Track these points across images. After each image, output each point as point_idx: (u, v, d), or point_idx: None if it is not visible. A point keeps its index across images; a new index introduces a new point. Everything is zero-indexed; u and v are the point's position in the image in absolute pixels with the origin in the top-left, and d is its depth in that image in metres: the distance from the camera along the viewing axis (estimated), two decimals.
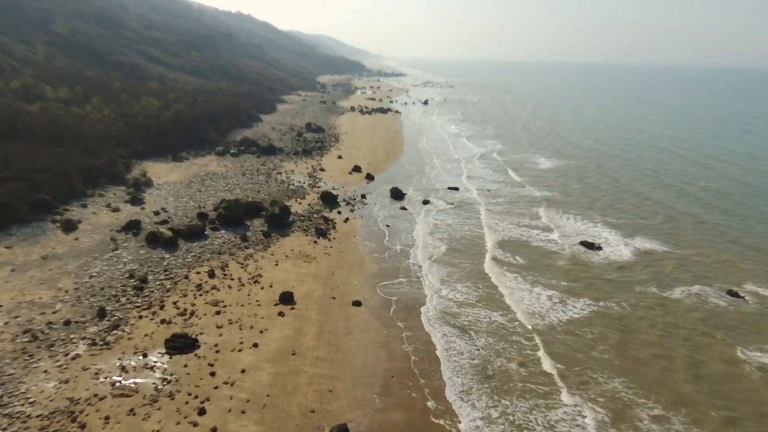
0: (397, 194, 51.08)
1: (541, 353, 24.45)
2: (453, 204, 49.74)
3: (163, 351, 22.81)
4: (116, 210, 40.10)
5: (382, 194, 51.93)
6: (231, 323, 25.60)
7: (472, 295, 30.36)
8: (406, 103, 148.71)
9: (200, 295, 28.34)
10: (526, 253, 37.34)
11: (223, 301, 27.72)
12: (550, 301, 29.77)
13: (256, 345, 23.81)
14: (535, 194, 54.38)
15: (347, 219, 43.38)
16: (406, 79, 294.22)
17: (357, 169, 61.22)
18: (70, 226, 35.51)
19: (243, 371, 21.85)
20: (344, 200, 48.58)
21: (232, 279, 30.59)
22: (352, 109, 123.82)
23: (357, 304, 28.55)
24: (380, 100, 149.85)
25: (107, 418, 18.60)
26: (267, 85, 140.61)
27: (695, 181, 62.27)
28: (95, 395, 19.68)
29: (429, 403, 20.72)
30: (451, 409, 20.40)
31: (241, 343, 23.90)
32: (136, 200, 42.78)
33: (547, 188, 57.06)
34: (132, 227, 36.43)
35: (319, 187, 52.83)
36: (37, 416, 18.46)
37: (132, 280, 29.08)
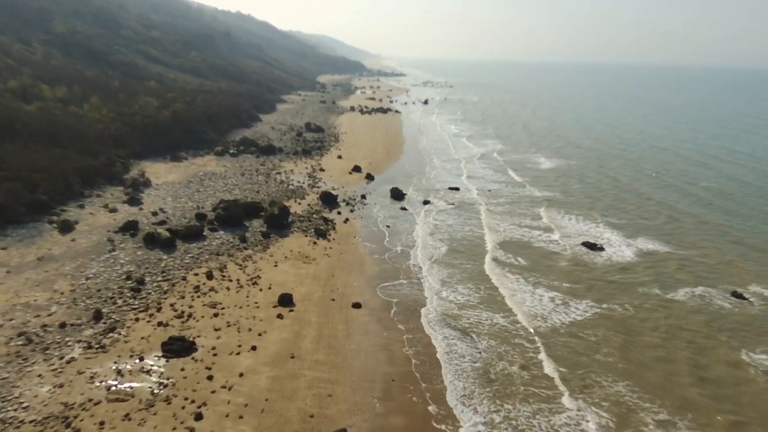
0: (397, 194, 50.73)
1: (543, 356, 24.10)
2: (453, 204, 49.39)
3: (160, 354, 22.45)
4: (114, 210, 39.73)
5: (382, 194, 51.58)
6: (229, 326, 25.24)
7: (473, 297, 30.01)
8: (406, 103, 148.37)
9: (198, 297, 27.97)
10: (527, 254, 37.00)
11: (221, 303, 27.36)
12: (552, 303, 29.42)
13: (254, 348, 23.45)
14: (535, 194, 54.05)
15: (347, 219, 43.03)
16: (406, 78, 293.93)
17: (357, 169, 60.86)
18: (66, 227, 35.14)
19: (241, 375, 21.49)
20: (344, 200, 48.23)
21: (231, 280, 30.23)
22: (352, 108, 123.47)
23: (357, 306, 28.19)
24: (380, 100, 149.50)
25: (102, 423, 18.24)
26: (266, 84, 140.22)
27: (696, 181, 61.95)
28: (90, 400, 19.31)
29: (430, 408, 20.36)
30: (452, 414, 20.05)
31: (239, 346, 23.54)
32: (133, 201, 42.41)
33: (547, 188, 56.73)
34: (129, 228, 36.06)
35: (318, 187, 52.47)
36: (31, 421, 18.09)
37: (129, 282, 28.71)
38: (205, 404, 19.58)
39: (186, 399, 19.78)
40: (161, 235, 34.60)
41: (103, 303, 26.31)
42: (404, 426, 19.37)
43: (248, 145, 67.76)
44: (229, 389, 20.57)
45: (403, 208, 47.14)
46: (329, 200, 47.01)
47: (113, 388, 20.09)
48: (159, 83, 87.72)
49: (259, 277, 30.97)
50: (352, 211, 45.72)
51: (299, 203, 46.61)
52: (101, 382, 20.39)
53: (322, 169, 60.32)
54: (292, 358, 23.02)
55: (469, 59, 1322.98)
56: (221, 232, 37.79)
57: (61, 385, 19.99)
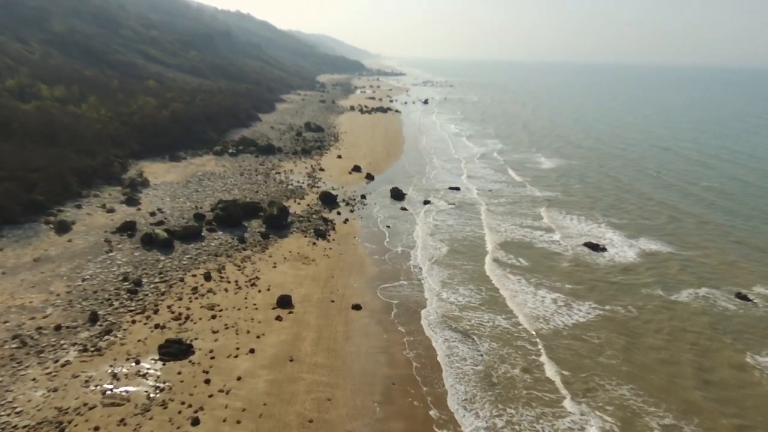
0: (397, 194, 50.38)
1: (546, 359, 23.75)
2: (454, 204, 49.06)
3: (157, 357, 22.09)
4: (111, 211, 39.37)
5: (382, 194, 51.24)
6: (227, 328, 24.88)
7: (474, 298, 29.66)
8: (406, 103, 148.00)
9: (196, 298, 27.61)
10: (529, 255, 36.66)
11: (219, 305, 27.00)
12: (554, 305, 29.07)
13: (252, 351, 23.09)
14: (536, 194, 53.72)
15: (347, 220, 42.67)
16: (406, 78, 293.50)
17: (357, 168, 60.51)
18: (63, 228, 34.77)
19: (239, 378, 21.14)
20: (344, 200, 47.88)
21: (229, 282, 29.87)
22: (352, 108, 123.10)
23: (357, 307, 27.84)
24: (380, 100, 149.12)
25: (97, 428, 17.88)
26: (266, 84, 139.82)
27: (698, 181, 61.63)
28: (85, 404, 18.95)
29: (431, 412, 20.01)
30: (454, 418, 19.69)
31: (237, 348, 23.18)
32: (131, 201, 42.05)
33: (548, 188, 56.40)
34: (127, 228, 35.70)
35: (318, 187, 52.11)
36: (24, 427, 17.74)
37: (126, 283, 28.34)
38: (202, 409, 19.22)
39: (183, 403, 19.43)
40: (159, 235, 34.24)
41: (99, 305, 25.94)
42: (405, 431, 19.02)
43: (247, 145, 67.39)
44: (227, 393, 20.22)
45: (404, 208, 46.79)
46: (329, 200, 46.66)
47: (108, 392, 19.73)
48: (158, 83, 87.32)
49: (257, 278, 30.62)
50: (351, 211, 45.37)
51: (299, 203, 46.26)
52: (96, 386, 20.03)
53: (321, 169, 59.96)
54: (291, 361, 22.67)
55: (469, 59, 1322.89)
56: (220, 232, 37.43)
57: (55, 389, 19.63)
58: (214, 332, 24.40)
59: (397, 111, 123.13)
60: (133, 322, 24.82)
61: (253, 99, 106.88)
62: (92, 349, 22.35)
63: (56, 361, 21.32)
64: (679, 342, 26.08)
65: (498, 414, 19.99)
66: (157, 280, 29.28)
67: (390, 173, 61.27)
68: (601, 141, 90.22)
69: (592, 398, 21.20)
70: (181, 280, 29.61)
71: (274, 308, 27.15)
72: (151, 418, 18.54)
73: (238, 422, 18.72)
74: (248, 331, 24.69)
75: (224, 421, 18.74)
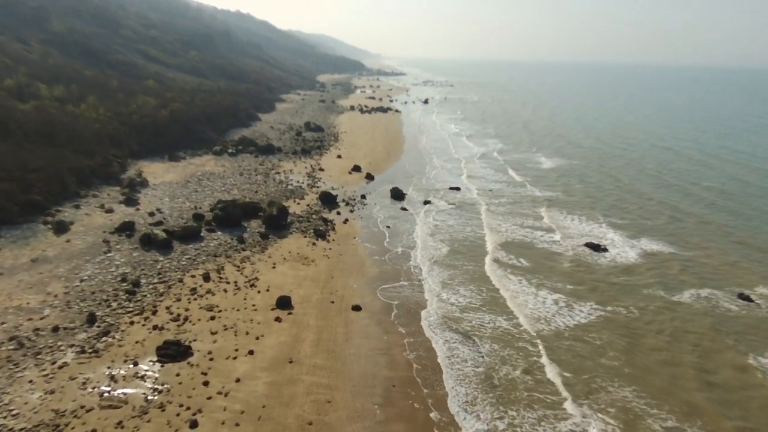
0: (397, 194, 50.20)
1: (548, 360, 23.57)
2: (454, 204, 48.87)
3: (155, 359, 21.90)
4: (110, 211, 39.18)
5: (382, 194, 51.04)
6: (226, 329, 24.69)
7: (475, 299, 29.48)
8: (406, 102, 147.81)
9: (194, 299, 27.42)
10: (530, 255, 36.47)
11: (218, 306, 26.81)
12: (555, 305, 28.89)
13: (251, 352, 22.91)
14: (536, 194, 53.53)
15: (347, 220, 42.48)
16: (406, 78, 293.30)
17: (357, 168, 60.32)
18: (61, 228, 34.58)
19: (238, 380, 20.95)
20: (344, 201, 47.69)
21: (228, 282, 29.68)
22: (352, 108, 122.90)
23: (357, 308, 27.65)
24: (380, 99, 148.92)
25: (94, 431, 17.69)
26: (266, 84, 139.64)
27: (698, 180, 61.44)
28: (82, 407, 18.76)
29: (432, 415, 19.83)
30: (454, 421, 19.51)
31: (236, 350, 23.00)
32: (130, 201, 41.86)
33: (549, 188, 56.20)
34: (126, 229, 35.52)
35: (318, 187, 51.92)
36: (20, 429, 17.55)
37: (124, 284, 28.16)
38: (200, 411, 19.04)
39: (181, 406, 19.24)
40: (158, 236, 34.06)
41: (97, 306, 25.76)
42: None
43: (247, 145, 67.21)
44: (226, 395, 20.03)
45: (404, 209, 46.60)
46: (329, 200, 46.47)
47: (106, 394, 19.55)
48: (158, 82, 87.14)
49: (257, 279, 30.43)
50: (351, 211, 45.18)
51: (298, 203, 46.07)
52: (94, 388, 19.84)
53: (321, 169, 59.76)
54: (291, 362, 22.49)
55: (469, 59, 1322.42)
56: (219, 232, 37.24)
57: (52, 392, 19.45)
58: (212, 333, 24.22)
59: (397, 111, 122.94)
60: (132, 323, 24.64)
61: (253, 99, 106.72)
62: (90, 350, 22.18)
63: (53, 363, 21.15)
64: (681, 343, 25.90)
65: (499, 416, 19.80)
66: (155, 280, 29.10)
67: (390, 173, 61.07)
68: (602, 141, 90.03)
69: (594, 400, 21.02)
70: (180, 280, 29.43)
71: (273, 309, 26.96)
72: (148, 421, 18.36)
73: (237, 425, 18.53)
74: (247, 333, 24.50)
75: (223, 423, 18.55)
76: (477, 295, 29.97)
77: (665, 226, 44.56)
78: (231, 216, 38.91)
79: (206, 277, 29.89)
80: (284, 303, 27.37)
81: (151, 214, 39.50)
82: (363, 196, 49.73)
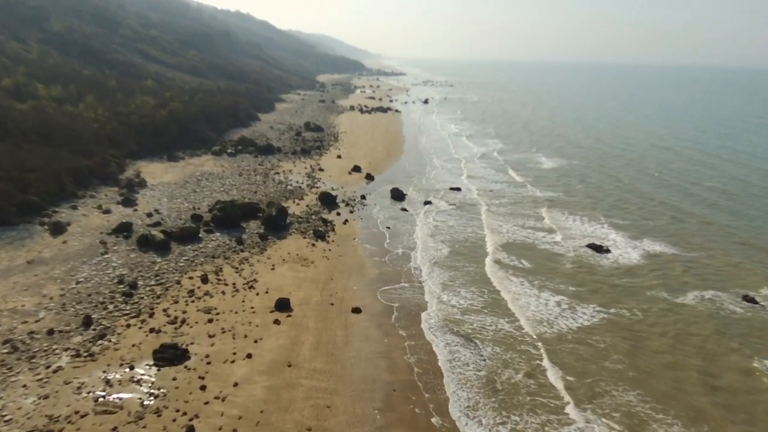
0: (397, 195, 49.86)
1: (551, 364, 23.22)
2: (454, 205, 48.54)
3: (151, 363, 21.55)
4: (107, 212, 38.82)
5: (382, 195, 50.70)
6: (224, 332, 24.34)
7: (476, 301, 29.14)
8: (406, 102, 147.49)
9: (192, 301, 27.07)
10: (531, 257, 36.14)
11: (216, 308, 26.46)
12: (558, 308, 28.55)
13: (249, 356, 22.56)
14: (537, 195, 53.21)
15: (346, 221, 42.14)
16: (406, 78, 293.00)
17: (356, 168, 59.97)
18: (58, 229, 34.21)
19: (235, 385, 20.60)
20: (343, 201, 47.34)
21: (226, 284, 29.33)
22: (352, 108, 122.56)
23: (357, 311, 27.30)
24: (380, 99, 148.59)
25: None
26: (266, 84, 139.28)
27: (699, 181, 61.13)
28: (76, 412, 18.41)
29: (433, 420, 19.48)
30: (456, 426, 19.16)
31: (234, 353, 22.64)
32: (128, 201, 41.50)
33: (549, 188, 55.88)
34: (123, 230, 35.15)
35: (317, 187, 51.57)
36: None
37: (121, 286, 27.81)
38: (197, 416, 18.69)
39: (177, 411, 18.89)
40: (155, 237, 33.70)
41: (93, 308, 25.41)
42: None
43: (246, 145, 66.86)
44: (223, 400, 19.68)
45: (404, 209, 46.26)
46: (328, 201, 46.13)
47: (101, 399, 19.19)
48: (157, 82, 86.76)
49: (255, 280, 30.08)
50: (351, 212, 44.83)
51: (298, 204, 45.72)
52: (89, 392, 19.49)
53: (321, 169, 59.41)
54: (289, 366, 22.14)
55: (469, 59, 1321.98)
56: (217, 233, 36.89)
57: (46, 396, 19.09)
58: (210, 336, 23.87)
59: (397, 111, 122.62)
60: (128, 326, 24.29)
61: (253, 99, 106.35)
62: (85, 354, 21.82)
63: (48, 367, 20.79)
64: (685, 346, 25.57)
65: (502, 422, 19.46)
66: (152, 282, 28.74)
67: (390, 173, 60.73)
68: (602, 141, 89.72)
69: (598, 405, 20.68)
70: (178, 282, 29.07)
71: (272, 311, 26.61)
72: (144, 427, 18.01)
73: (235, 431, 18.17)
74: (245, 336, 24.15)
75: (220, 429, 18.20)
76: (478, 297, 29.62)
77: (667, 226, 44.25)
78: (230, 217, 38.56)
79: (204, 279, 29.54)
80: (283, 305, 27.03)
81: (149, 215, 39.15)
82: (363, 197, 49.38)
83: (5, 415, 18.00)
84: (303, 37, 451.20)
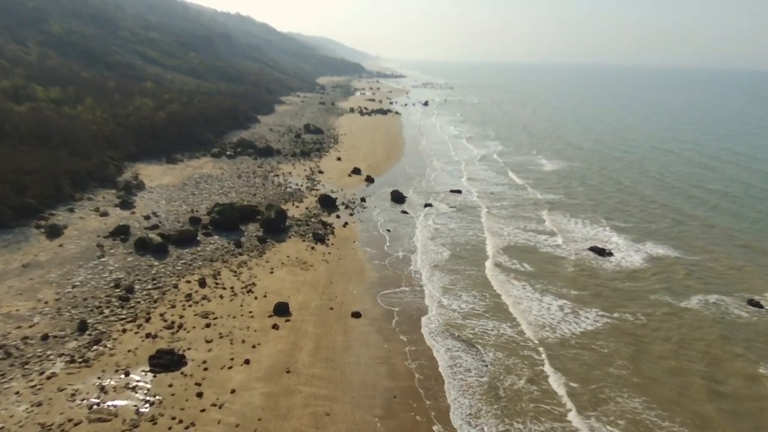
0: (397, 197, 49.51)
1: (554, 370, 22.84)
2: (455, 207, 48.20)
3: (147, 369, 21.15)
4: (105, 214, 38.44)
5: (382, 197, 50.36)
6: (221, 337, 23.95)
7: (478, 305, 28.76)
8: (406, 105, 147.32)
9: (189, 306, 26.68)
10: (533, 260, 35.77)
11: (213, 313, 26.07)
12: (561, 312, 28.18)
13: (247, 361, 22.16)
14: (538, 197, 52.89)
15: (346, 223, 41.78)
16: (406, 80, 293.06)
17: (356, 171, 59.64)
18: (54, 232, 33.82)
19: (233, 391, 20.20)
20: (343, 204, 46.99)
21: (224, 288, 28.94)
22: (352, 110, 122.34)
23: (356, 315, 26.92)
24: (380, 102, 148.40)
25: None
26: (265, 86, 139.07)
27: (700, 183, 60.83)
28: (70, 420, 18.00)
29: (435, 428, 19.09)
30: None
31: (232, 359, 22.25)
32: (126, 204, 41.12)
33: (550, 191, 55.57)
34: (120, 233, 34.77)
35: (317, 189, 51.22)
36: None
37: (117, 290, 27.41)
38: (193, 424, 18.29)
39: (173, 419, 18.49)
40: (153, 240, 33.32)
41: (89, 313, 25.01)
42: None
43: (246, 147, 66.54)
44: (220, 407, 19.28)
45: (404, 212, 45.92)
46: (328, 203, 45.78)
47: (95, 406, 18.79)
48: (156, 84, 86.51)
49: (254, 284, 29.70)
50: (351, 214, 44.47)
51: (297, 206, 45.37)
52: (83, 400, 19.08)
53: (320, 172, 59.08)
54: (288, 372, 21.74)
55: (468, 61, 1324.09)
56: (216, 236, 36.51)
57: (39, 404, 18.69)
58: (207, 342, 23.47)
59: (397, 113, 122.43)
60: (124, 331, 23.89)
61: (252, 101, 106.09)
62: (80, 360, 21.42)
63: (42, 373, 20.39)
64: (689, 351, 25.21)
65: (504, 430, 19.07)
66: (149, 286, 28.35)
67: (390, 175, 60.41)
68: (602, 143, 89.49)
69: (603, 412, 20.30)
70: (175, 286, 28.69)
71: (270, 316, 26.22)
72: None
73: None
74: (243, 341, 23.76)
75: None
76: (479, 301, 29.25)
77: (669, 229, 43.92)
78: (228, 219, 38.19)
79: (202, 283, 29.16)
80: (282, 310, 26.64)
81: (147, 218, 38.77)
82: (363, 199, 49.04)
83: None
84: (303, 39, 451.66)
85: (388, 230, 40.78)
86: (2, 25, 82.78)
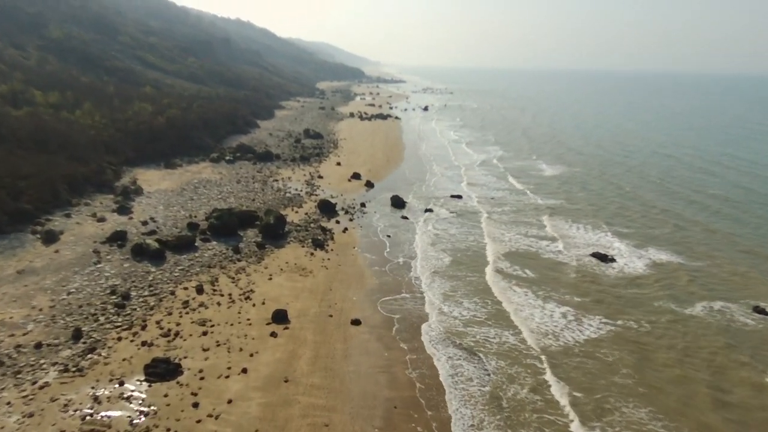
0: (397, 202, 49.20)
1: (557, 379, 22.39)
2: (455, 213, 47.88)
3: (142, 378, 20.70)
4: (102, 220, 38.06)
5: (382, 202, 50.04)
6: (218, 345, 23.51)
7: (479, 312, 28.35)
8: (405, 110, 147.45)
9: (186, 313, 26.25)
10: (534, 266, 35.40)
11: (210, 320, 25.64)
12: (564, 319, 27.76)
13: (245, 371, 21.72)
14: (538, 202, 52.60)
15: (346, 229, 41.42)
16: (406, 85, 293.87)
17: (356, 176, 59.38)
18: (50, 238, 33.44)
19: (229, 402, 19.75)
20: (343, 209, 46.66)
21: (222, 295, 28.53)
22: (352, 115, 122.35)
23: (356, 322, 26.50)
24: (380, 106, 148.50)
25: None
26: (265, 91, 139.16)
27: (701, 188, 60.56)
28: (62, 431, 17.53)
29: None
30: None
31: (229, 368, 21.80)
32: (123, 209, 40.75)
33: (550, 196, 55.28)
34: (117, 238, 34.38)
35: (316, 195, 50.90)
36: None
37: (113, 297, 26.99)
38: None
39: (168, 430, 18.03)
40: (150, 246, 32.93)
41: (84, 320, 24.58)
42: None
43: (245, 152, 66.29)
44: (216, 418, 18.83)
45: (404, 217, 45.59)
46: (327, 209, 45.45)
47: (88, 417, 18.33)
48: (156, 89, 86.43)
49: (252, 291, 29.29)
50: (351, 220, 44.14)
51: (296, 212, 45.02)
52: (76, 410, 18.62)
53: (320, 177, 58.80)
54: (286, 381, 21.30)
55: (468, 67, 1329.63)
56: (214, 242, 36.13)
57: (31, 415, 18.23)
58: (204, 350, 23.03)
59: (396, 118, 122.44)
60: (119, 339, 23.45)
61: (252, 105, 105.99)
62: (74, 369, 20.97)
63: (34, 383, 19.93)
64: (694, 359, 24.78)
65: None
66: (146, 293, 27.93)
67: (390, 180, 60.14)
68: (602, 148, 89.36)
69: (608, 423, 19.85)
70: (172, 293, 28.27)
71: (268, 323, 25.80)
72: None
73: None
74: (241, 349, 23.33)
75: None
76: (481, 308, 28.85)
77: (671, 235, 43.59)
78: (227, 225, 37.84)
79: (199, 290, 28.74)
80: (280, 317, 26.22)
81: (144, 223, 38.40)
82: (363, 204, 48.72)
83: None
84: (303, 44, 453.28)
85: (388, 236, 40.44)
86: (2, 30, 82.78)
